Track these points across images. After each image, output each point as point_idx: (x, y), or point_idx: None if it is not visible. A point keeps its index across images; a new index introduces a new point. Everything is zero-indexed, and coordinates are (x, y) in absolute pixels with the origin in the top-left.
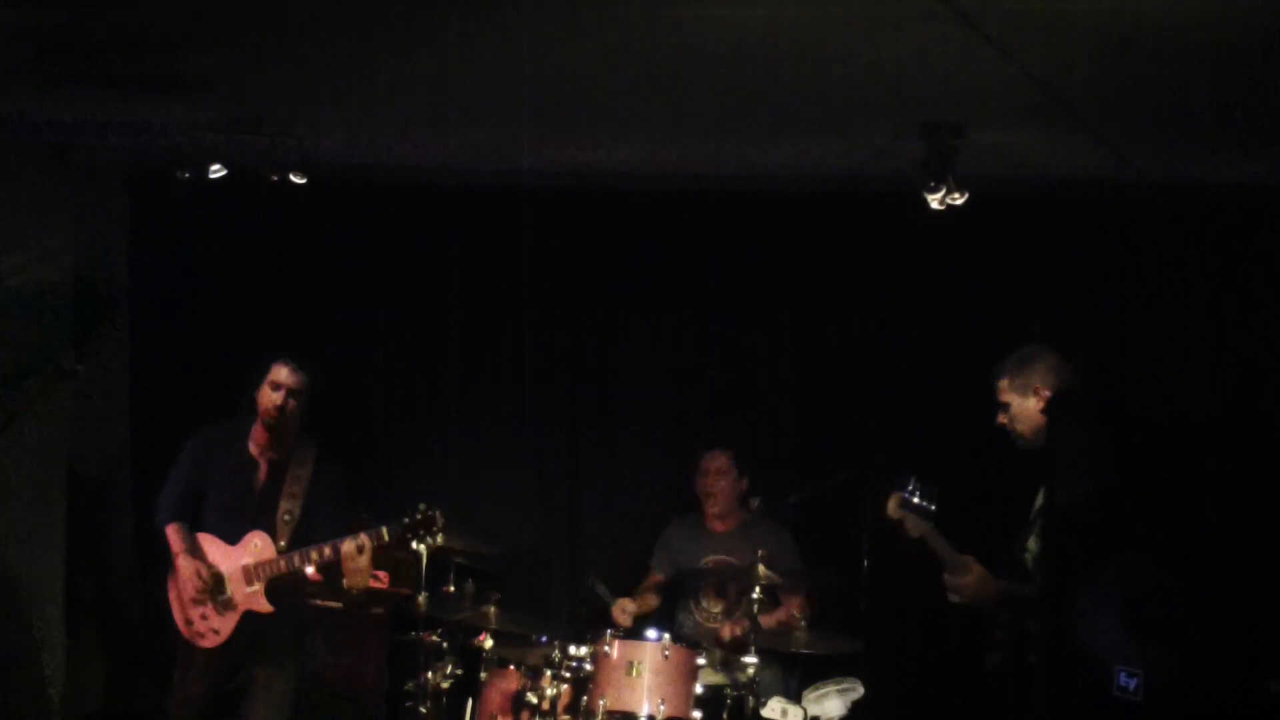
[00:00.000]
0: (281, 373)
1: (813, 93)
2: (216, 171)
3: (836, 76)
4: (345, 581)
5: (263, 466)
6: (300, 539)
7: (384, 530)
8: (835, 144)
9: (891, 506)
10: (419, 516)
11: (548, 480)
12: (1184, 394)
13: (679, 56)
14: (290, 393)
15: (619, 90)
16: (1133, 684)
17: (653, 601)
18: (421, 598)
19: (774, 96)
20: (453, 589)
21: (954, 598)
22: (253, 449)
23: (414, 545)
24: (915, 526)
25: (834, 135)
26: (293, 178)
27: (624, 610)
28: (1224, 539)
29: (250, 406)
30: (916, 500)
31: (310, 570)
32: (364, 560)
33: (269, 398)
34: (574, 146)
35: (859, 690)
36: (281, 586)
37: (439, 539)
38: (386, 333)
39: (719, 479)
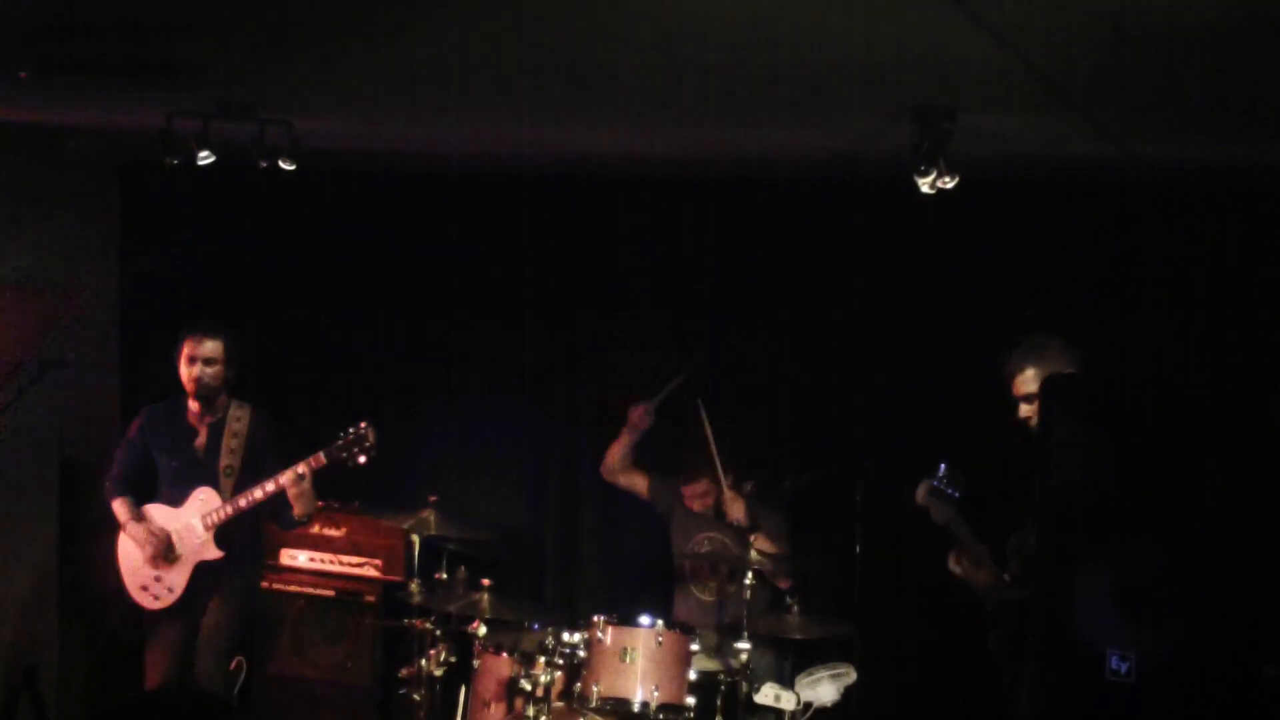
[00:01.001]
0: (191, 346)
1: (805, 77)
2: (205, 158)
3: (829, 60)
4: (295, 511)
5: (202, 431)
6: (243, 487)
7: (320, 454)
8: (829, 129)
9: (920, 493)
10: (350, 435)
11: (543, 466)
12: (1179, 378)
13: (668, 40)
14: (205, 361)
15: (607, 75)
16: (1125, 667)
17: (627, 479)
18: (414, 585)
19: (766, 80)
20: (445, 576)
21: (955, 569)
22: (190, 418)
23: (350, 465)
24: (940, 514)
25: (827, 120)
26: (282, 164)
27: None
28: (1219, 523)
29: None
30: (945, 488)
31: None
32: (306, 485)
33: (186, 373)
34: (563, 133)
35: (852, 675)
36: (231, 533)
37: (373, 453)
38: (382, 319)
39: (703, 500)
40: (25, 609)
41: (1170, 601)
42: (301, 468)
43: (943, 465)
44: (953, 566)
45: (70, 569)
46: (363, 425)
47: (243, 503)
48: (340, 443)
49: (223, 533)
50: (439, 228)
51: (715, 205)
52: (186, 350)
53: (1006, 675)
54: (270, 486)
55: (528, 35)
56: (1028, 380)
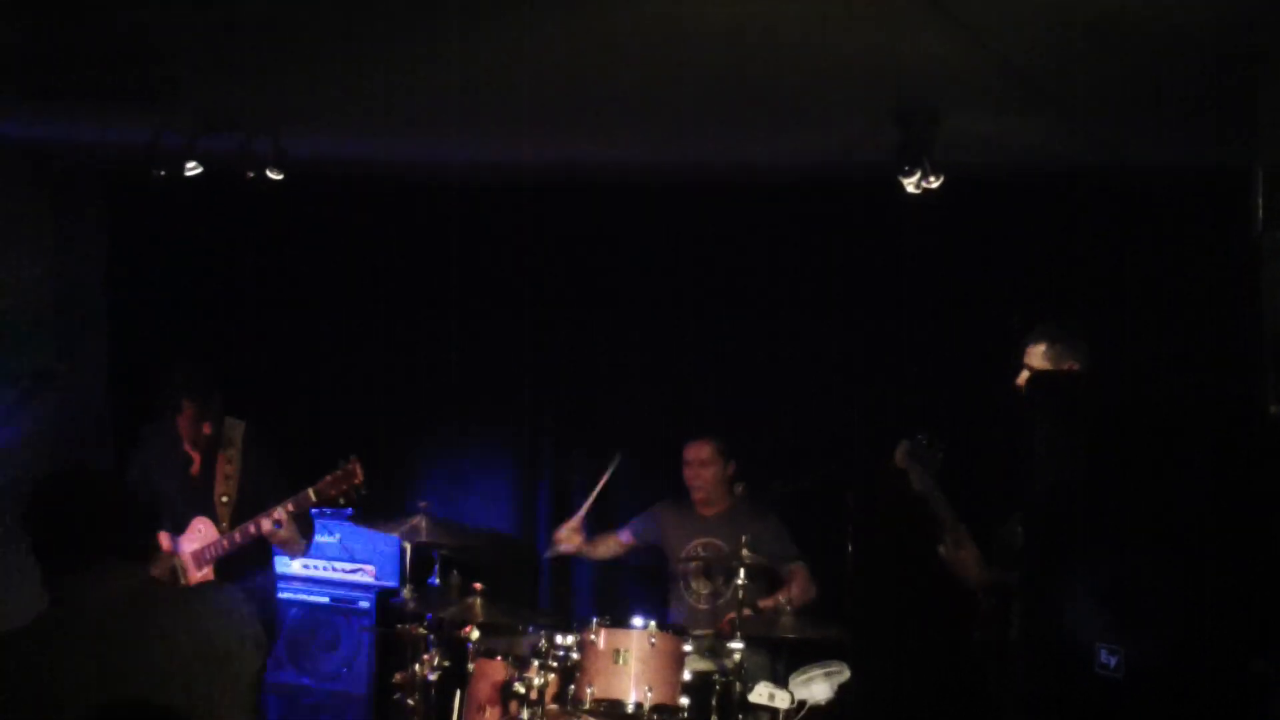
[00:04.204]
0: (195, 407)
1: (789, 83)
2: (193, 169)
3: (812, 66)
4: (286, 551)
5: (196, 458)
6: (242, 517)
7: (310, 492)
8: (815, 134)
9: (900, 454)
10: (339, 472)
11: (534, 470)
12: (1166, 377)
13: (651, 51)
14: (215, 418)
15: (594, 85)
16: (1113, 662)
17: (616, 546)
18: (407, 590)
19: (752, 86)
20: (438, 581)
21: (943, 552)
22: (185, 444)
23: (342, 501)
24: (920, 479)
25: (814, 125)
26: (270, 174)
27: (559, 538)
28: (1206, 521)
29: (171, 416)
30: (925, 451)
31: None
32: (285, 533)
33: (191, 431)
34: (553, 142)
35: (845, 673)
36: (233, 565)
37: (363, 490)
38: (373, 328)
39: (704, 469)
40: (15, 623)
41: (1158, 600)
42: (278, 513)
43: (924, 430)
44: (941, 551)
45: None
46: (351, 464)
47: (238, 537)
48: (328, 479)
49: (223, 565)
50: (430, 237)
51: (702, 210)
52: (190, 412)
53: (991, 671)
54: (265, 524)
55: (515, 47)
56: (1036, 354)
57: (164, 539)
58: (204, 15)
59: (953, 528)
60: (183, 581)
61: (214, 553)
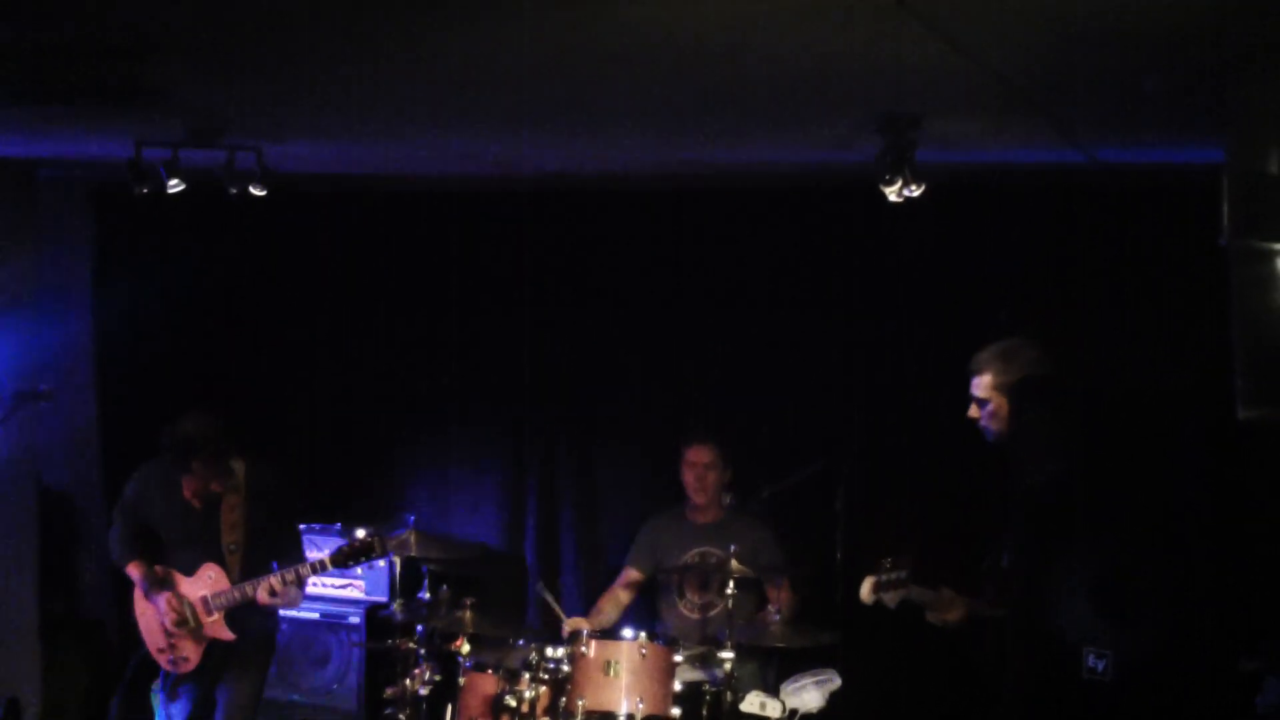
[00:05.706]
0: (202, 470)
1: (771, 89)
2: (175, 187)
3: (794, 73)
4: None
5: (198, 505)
6: (251, 563)
7: (327, 560)
8: (798, 139)
9: (865, 593)
10: (357, 545)
11: (522, 481)
12: (1151, 376)
13: (630, 54)
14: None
15: (578, 92)
16: (1101, 665)
17: (623, 601)
18: (397, 605)
19: (733, 93)
20: (428, 595)
21: (936, 621)
22: (185, 492)
23: (358, 570)
24: (892, 599)
25: (796, 130)
26: (252, 190)
27: (576, 627)
28: (1193, 519)
29: (177, 471)
30: (887, 578)
31: (262, 595)
32: (294, 593)
33: (202, 488)
34: (540, 148)
35: (836, 681)
36: (242, 613)
37: (381, 563)
38: (360, 341)
39: (708, 472)
40: (6, 640)
41: (1147, 597)
42: (305, 570)
43: (882, 561)
44: (932, 620)
45: (51, 595)
46: (377, 540)
47: (249, 590)
48: (345, 551)
49: (233, 614)
50: (417, 249)
51: (686, 215)
52: (200, 472)
53: (992, 685)
54: (274, 582)
55: (498, 55)
56: (982, 385)
57: (178, 579)
58: (193, 13)
59: (934, 604)
60: (193, 625)
61: (225, 602)
